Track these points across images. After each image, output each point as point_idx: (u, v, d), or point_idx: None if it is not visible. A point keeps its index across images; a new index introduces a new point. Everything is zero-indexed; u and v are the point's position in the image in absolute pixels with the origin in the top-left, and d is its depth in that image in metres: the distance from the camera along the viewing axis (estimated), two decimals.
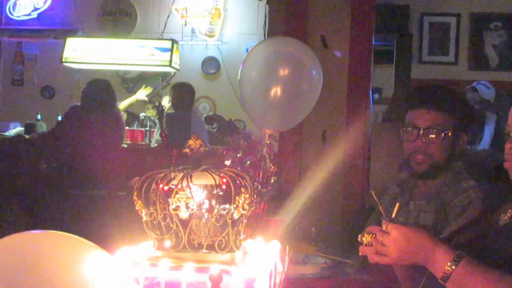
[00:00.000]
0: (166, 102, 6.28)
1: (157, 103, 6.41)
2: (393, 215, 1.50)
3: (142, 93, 6.34)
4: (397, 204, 1.53)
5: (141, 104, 6.52)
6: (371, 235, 1.48)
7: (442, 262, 1.38)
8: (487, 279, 1.33)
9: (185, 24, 6.93)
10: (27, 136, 5.69)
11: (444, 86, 2.41)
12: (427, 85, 2.35)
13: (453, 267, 1.36)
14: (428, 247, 1.41)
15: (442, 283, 1.38)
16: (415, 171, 2.22)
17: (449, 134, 2.16)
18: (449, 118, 2.17)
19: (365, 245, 1.50)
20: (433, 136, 2.15)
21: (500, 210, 1.58)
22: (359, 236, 1.52)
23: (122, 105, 6.26)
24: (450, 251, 1.38)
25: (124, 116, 5.94)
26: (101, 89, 5.00)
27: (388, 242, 1.43)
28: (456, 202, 2.11)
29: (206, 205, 1.37)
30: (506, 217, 1.55)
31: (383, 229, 1.45)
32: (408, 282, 1.65)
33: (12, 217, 4.65)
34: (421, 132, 2.15)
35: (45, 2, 7.23)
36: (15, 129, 6.11)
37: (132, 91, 6.76)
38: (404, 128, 2.21)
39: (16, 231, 1.07)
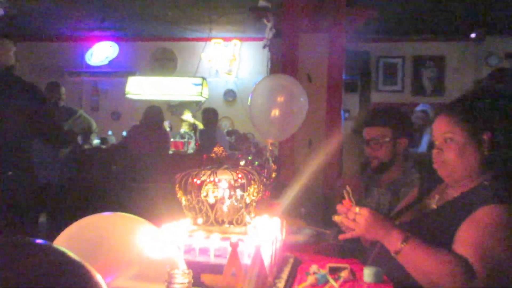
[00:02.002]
0: (189, 117, 6.31)
1: (192, 122, 6.43)
2: (354, 203, 1.48)
3: (188, 116, 6.39)
4: (349, 192, 1.52)
5: (185, 122, 6.54)
6: (341, 215, 1.47)
7: (395, 240, 1.36)
8: (427, 254, 1.31)
9: (211, 67, 6.99)
10: (103, 147, 5.72)
11: (385, 106, 2.42)
12: (373, 108, 2.37)
13: (403, 245, 1.35)
14: (386, 228, 1.39)
15: (395, 256, 1.37)
16: (371, 167, 2.24)
17: (388, 140, 2.16)
18: (387, 129, 2.17)
19: (339, 222, 1.49)
20: (376, 145, 2.17)
21: (430, 196, 1.57)
22: (333, 216, 1.51)
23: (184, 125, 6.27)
24: (401, 233, 1.37)
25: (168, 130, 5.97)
26: (155, 113, 5.03)
27: (360, 220, 1.41)
28: (405, 189, 2.10)
29: (227, 193, 1.37)
30: (434, 201, 1.54)
31: (357, 211, 1.43)
32: (369, 250, 1.64)
33: (91, 202, 4.67)
34: (368, 143, 2.20)
35: (113, 53, 7.28)
36: (93, 142, 6.13)
37: (175, 114, 6.79)
38: (363, 139, 2.25)
39: (93, 213, 1.07)
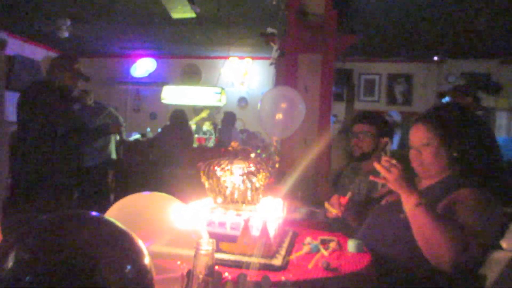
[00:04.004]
0: (205, 113, 6.29)
1: (213, 123, 6.41)
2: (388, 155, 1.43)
3: (204, 113, 6.36)
4: (387, 144, 1.51)
5: (203, 120, 6.50)
6: (331, 206, 1.54)
7: (412, 200, 1.27)
8: (435, 220, 1.22)
9: (228, 79, 6.96)
10: (141, 140, 5.73)
11: (373, 111, 2.37)
12: (361, 111, 2.32)
13: (417, 207, 1.26)
14: (410, 187, 1.31)
15: (408, 213, 1.29)
16: (353, 155, 2.21)
17: (372, 136, 2.13)
18: (373, 127, 2.14)
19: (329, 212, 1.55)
20: (362, 136, 2.13)
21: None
22: (325, 203, 1.54)
23: (195, 119, 6.25)
24: (419, 197, 1.28)
25: (194, 128, 5.94)
26: (180, 114, 5.01)
27: (394, 171, 1.32)
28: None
29: (241, 178, 1.35)
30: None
31: (393, 162, 1.34)
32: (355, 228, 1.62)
33: (134, 184, 4.69)
34: (357, 135, 2.15)
35: (152, 67, 7.29)
36: (135, 136, 6.14)
37: (198, 115, 6.75)
38: (351, 133, 2.20)
39: (136, 192, 1.06)
